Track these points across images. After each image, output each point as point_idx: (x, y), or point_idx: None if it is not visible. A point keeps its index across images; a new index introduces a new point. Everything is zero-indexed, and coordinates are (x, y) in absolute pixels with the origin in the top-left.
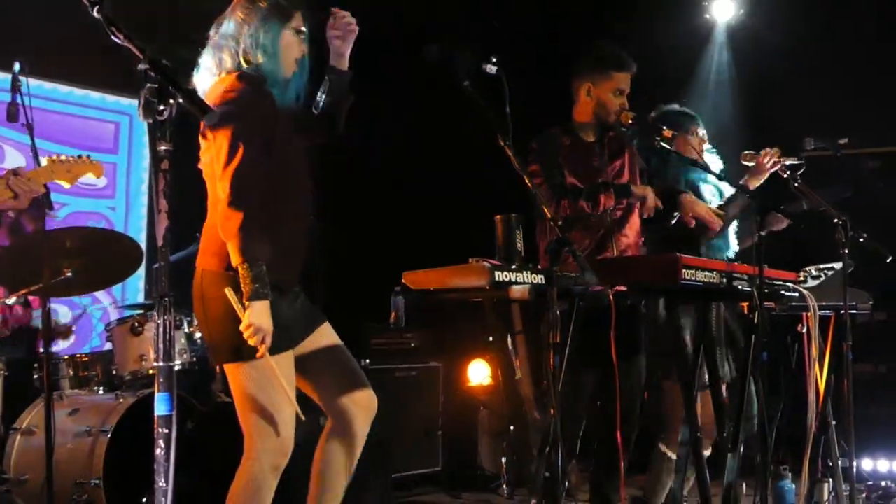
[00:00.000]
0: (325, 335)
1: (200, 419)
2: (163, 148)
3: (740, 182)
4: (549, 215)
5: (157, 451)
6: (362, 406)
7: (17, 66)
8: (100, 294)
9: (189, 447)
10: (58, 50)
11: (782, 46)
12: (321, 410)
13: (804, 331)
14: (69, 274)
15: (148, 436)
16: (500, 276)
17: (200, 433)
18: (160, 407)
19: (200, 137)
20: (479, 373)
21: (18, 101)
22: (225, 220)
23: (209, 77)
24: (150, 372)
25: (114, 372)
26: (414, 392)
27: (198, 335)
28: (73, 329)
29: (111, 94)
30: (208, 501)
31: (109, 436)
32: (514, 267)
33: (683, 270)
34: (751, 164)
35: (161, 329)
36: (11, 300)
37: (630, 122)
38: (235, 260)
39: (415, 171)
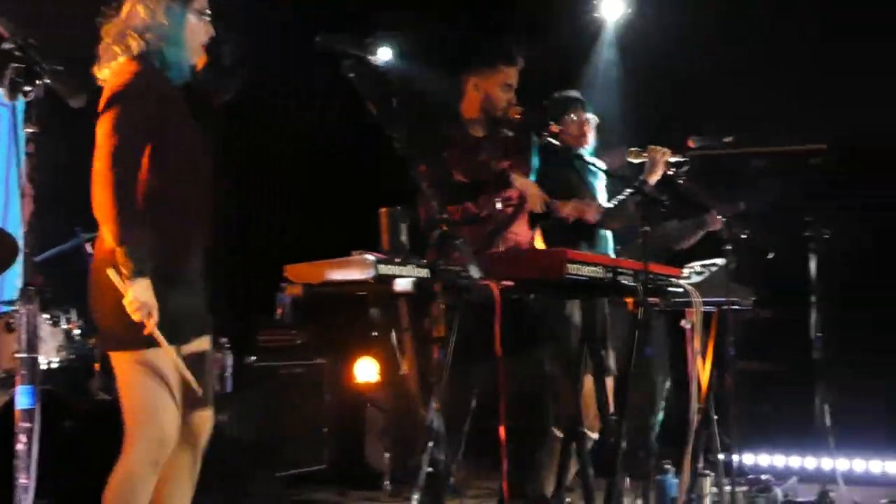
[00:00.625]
0: (206, 342)
1: (79, 418)
2: (29, 130)
3: (640, 177)
4: (435, 208)
5: (19, 445)
6: (207, 424)
7: None
8: None
9: (67, 446)
10: None
11: (671, 45)
12: None
13: (688, 326)
14: None
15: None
16: (383, 269)
17: (79, 432)
18: (22, 400)
19: None
20: (366, 370)
21: None
22: (99, 204)
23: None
24: None
25: None
26: (300, 389)
27: (77, 332)
28: None
29: None
30: (88, 501)
31: None
32: (397, 260)
33: (568, 265)
34: (636, 160)
35: (25, 320)
36: None
37: (517, 116)
38: (111, 243)
39: (314, 163)
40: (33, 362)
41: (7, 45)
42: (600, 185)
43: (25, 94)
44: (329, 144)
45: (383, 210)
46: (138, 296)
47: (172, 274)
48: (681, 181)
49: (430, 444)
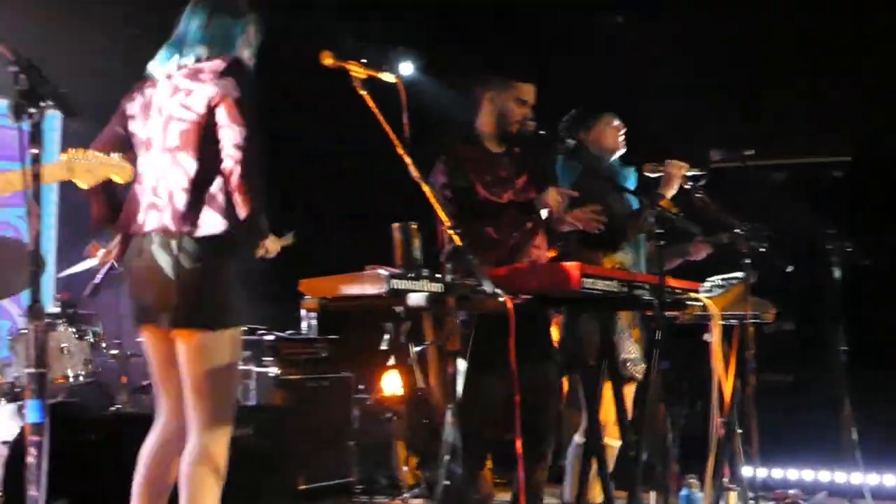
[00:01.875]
0: None
1: (103, 430)
2: (34, 151)
3: (657, 191)
4: (448, 223)
5: (29, 458)
6: None
7: None
8: (6, 303)
9: (91, 458)
10: None
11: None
12: None
13: (710, 340)
14: None
15: (52, 446)
16: (396, 284)
17: (105, 445)
18: (32, 415)
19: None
20: (392, 383)
21: None
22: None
23: None
24: (56, 382)
25: (14, 383)
26: (325, 402)
27: (103, 345)
28: None
29: None
30: None
31: (11, 448)
32: (411, 275)
33: (583, 279)
34: (653, 175)
35: (32, 336)
36: None
37: (532, 131)
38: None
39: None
40: (41, 377)
41: (11, 69)
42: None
43: (30, 115)
44: (343, 158)
45: (395, 225)
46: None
47: None
48: (698, 195)
49: (447, 457)
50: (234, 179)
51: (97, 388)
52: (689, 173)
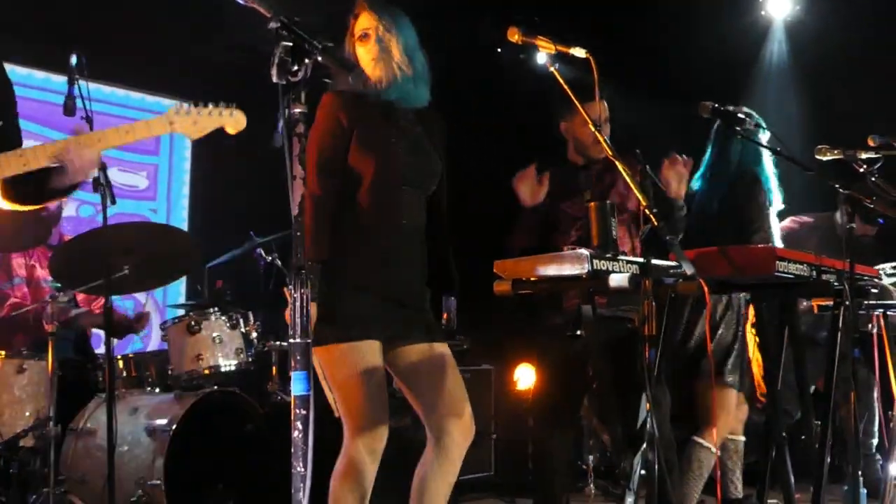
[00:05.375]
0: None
1: (259, 420)
2: (297, 110)
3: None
4: (645, 202)
5: (295, 433)
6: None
7: (73, 60)
8: (139, 296)
9: (249, 448)
10: (100, 50)
11: (840, 42)
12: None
13: (874, 331)
14: (126, 271)
15: (208, 436)
16: (597, 264)
17: (262, 434)
18: (297, 386)
19: None
20: (527, 377)
21: (76, 94)
22: None
23: None
24: (206, 372)
25: (169, 372)
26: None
27: (254, 335)
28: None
29: (151, 94)
30: (272, 500)
31: (171, 436)
32: (608, 255)
33: (777, 262)
34: (825, 158)
35: (298, 303)
36: (65, 298)
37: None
38: None
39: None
40: (307, 347)
41: (272, 25)
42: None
43: (294, 73)
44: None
45: (593, 204)
46: None
47: None
48: (873, 178)
49: (644, 445)
50: None
51: (250, 379)
52: (864, 156)
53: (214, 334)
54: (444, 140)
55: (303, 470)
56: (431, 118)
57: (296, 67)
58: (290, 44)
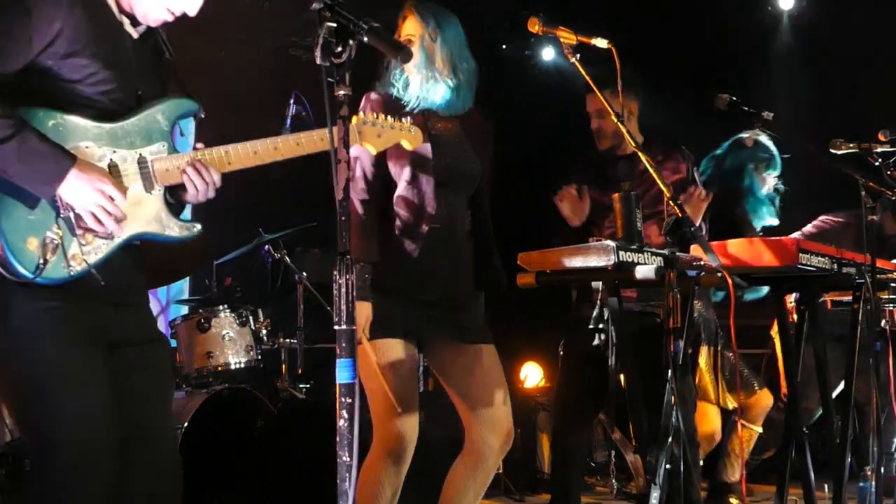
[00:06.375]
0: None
1: (270, 417)
2: (341, 93)
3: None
4: (668, 193)
5: (340, 422)
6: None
7: None
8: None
9: (259, 445)
10: None
11: (846, 35)
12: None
13: (888, 326)
14: None
15: (218, 433)
16: (623, 256)
17: (272, 431)
18: (343, 374)
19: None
20: (532, 375)
21: None
22: None
23: None
24: (218, 368)
25: (178, 369)
26: None
27: (263, 332)
28: None
29: None
30: (285, 498)
31: (182, 433)
32: (633, 247)
33: (800, 254)
34: (840, 151)
35: (343, 290)
36: None
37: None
38: None
39: None
40: (352, 334)
41: (315, 6)
42: None
43: (338, 55)
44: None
45: (616, 195)
46: None
47: None
48: (888, 172)
49: (670, 439)
50: None
51: (259, 376)
52: (879, 150)
53: (224, 332)
54: (488, 142)
55: (348, 459)
56: (475, 121)
57: (339, 49)
58: (334, 24)
